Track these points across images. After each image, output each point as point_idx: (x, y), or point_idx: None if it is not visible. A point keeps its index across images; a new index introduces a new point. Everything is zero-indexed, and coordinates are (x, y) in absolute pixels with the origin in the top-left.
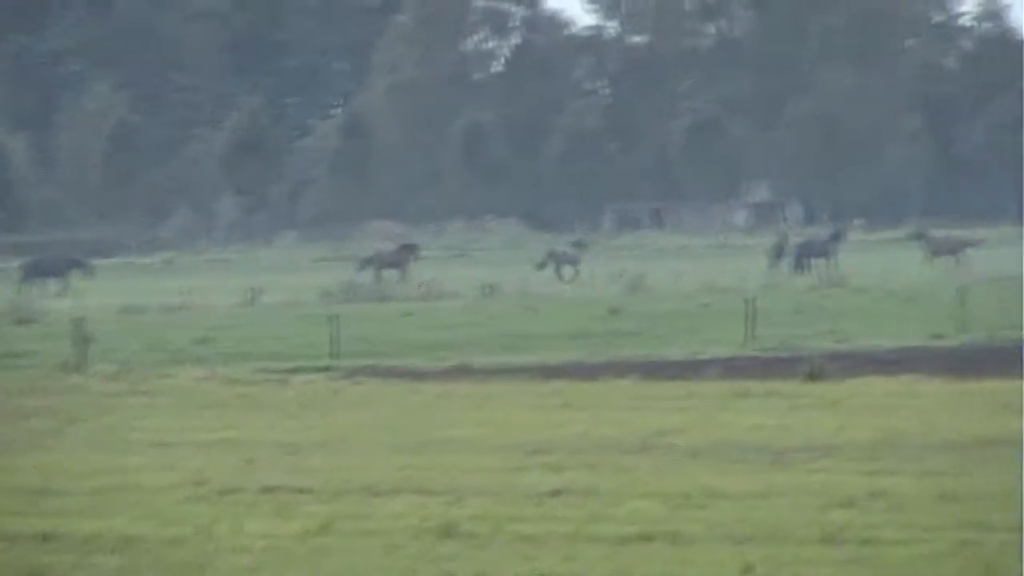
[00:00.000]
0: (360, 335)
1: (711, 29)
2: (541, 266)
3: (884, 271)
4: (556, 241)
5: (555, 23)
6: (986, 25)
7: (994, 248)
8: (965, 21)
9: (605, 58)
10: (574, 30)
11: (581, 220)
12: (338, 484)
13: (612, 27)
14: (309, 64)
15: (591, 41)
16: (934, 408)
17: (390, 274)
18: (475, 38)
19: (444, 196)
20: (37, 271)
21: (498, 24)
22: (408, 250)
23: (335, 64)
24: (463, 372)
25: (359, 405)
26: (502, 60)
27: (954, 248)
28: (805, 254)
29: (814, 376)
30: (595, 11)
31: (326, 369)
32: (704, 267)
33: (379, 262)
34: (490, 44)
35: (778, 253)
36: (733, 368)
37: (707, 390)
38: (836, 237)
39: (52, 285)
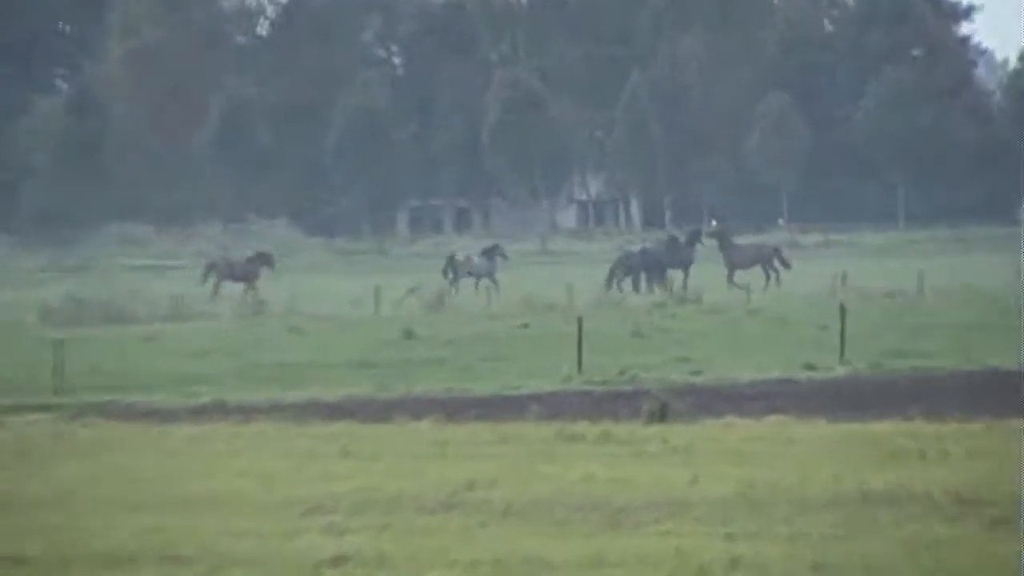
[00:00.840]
0: (91, 365)
1: None
2: (444, 275)
3: (747, 286)
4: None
5: None
6: None
7: (879, 257)
8: None
9: (398, 18)
10: None
11: (369, 222)
12: (64, 551)
13: None
14: (26, 26)
15: None
16: (807, 456)
17: (234, 289)
18: None
19: (197, 192)
20: None
21: None
22: (261, 260)
23: (59, 26)
24: (220, 411)
25: (90, 452)
26: (268, 20)
27: (762, 257)
28: (648, 265)
29: (659, 416)
30: None
31: (48, 408)
32: (522, 279)
33: (221, 273)
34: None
35: (626, 271)
36: (558, 406)
37: (526, 433)
38: (691, 242)
39: None
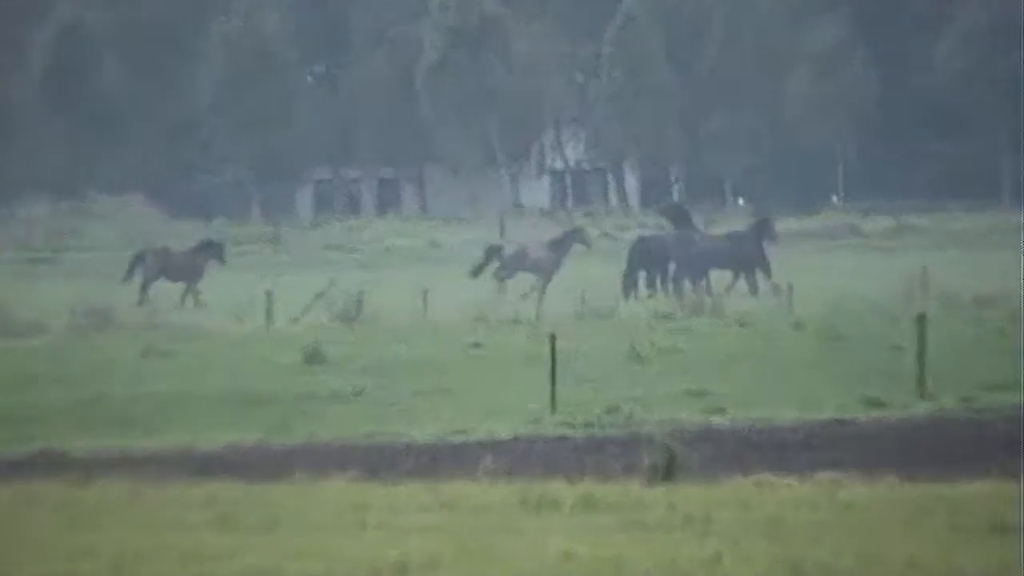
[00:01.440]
0: None
1: None
2: (476, 272)
3: (788, 288)
4: (206, 232)
5: None
6: None
7: (973, 249)
8: None
9: None
10: None
11: (258, 199)
12: None
13: None
14: None
15: None
16: (872, 528)
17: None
18: None
19: (16, 159)
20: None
21: None
22: (208, 252)
23: None
24: (50, 465)
25: None
26: None
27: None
28: (657, 261)
29: (665, 472)
30: None
31: None
32: (473, 280)
33: (151, 268)
34: None
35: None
36: (523, 458)
37: (478, 496)
38: (758, 234)
39: None
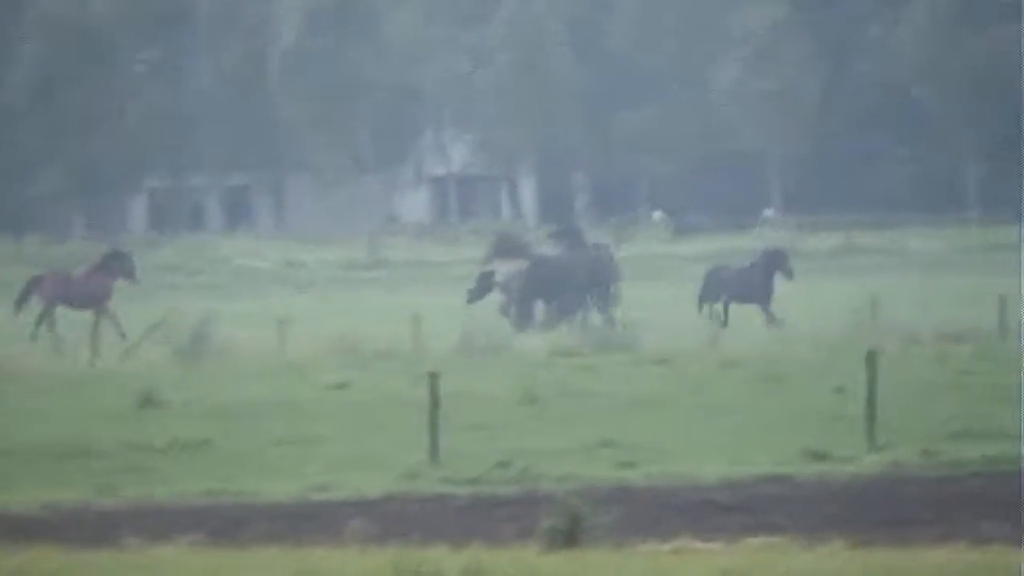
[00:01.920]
0: None
1: None
2: (475, 297)
3: (717, 317)
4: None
5: None
6: None
7: (935, 271)
8: None
9: None
10: None
11: (83, 212)
12: None
13: None
14: None
15: None
16: None
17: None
18: None
19: None
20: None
21: None
22: (113, 267)
23: None
24: None
25: None
26: None
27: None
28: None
29: (567, 537)
30: None
31: None
32: (339, 306)
33: (51, 293)
34: None
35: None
36: (398, 520)
37: (344, 566)
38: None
39: None
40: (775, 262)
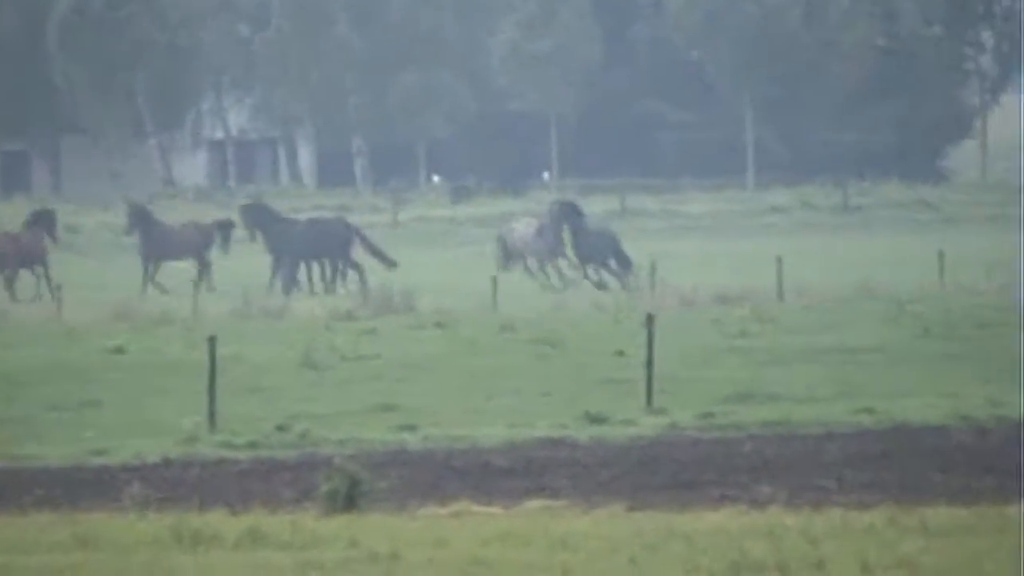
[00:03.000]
0: None
1: None
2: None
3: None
4: None
5: None
6: None
7: (713, 236)
8: None
9: None
10: None
11: None
12: None
13: None
14: None
15: None
16: (593, 567)
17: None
18: None
19: None
20: None
21: None
22: (40, 224)
23: None
24: None
25: None
26: None
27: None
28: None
29: (346, 501)
30: None
31: None
32: (116, 271)
33: (8, 258)
34: None
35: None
36: (176, 485)
37: (121, 532)
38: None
39: None
40: (565, 215)
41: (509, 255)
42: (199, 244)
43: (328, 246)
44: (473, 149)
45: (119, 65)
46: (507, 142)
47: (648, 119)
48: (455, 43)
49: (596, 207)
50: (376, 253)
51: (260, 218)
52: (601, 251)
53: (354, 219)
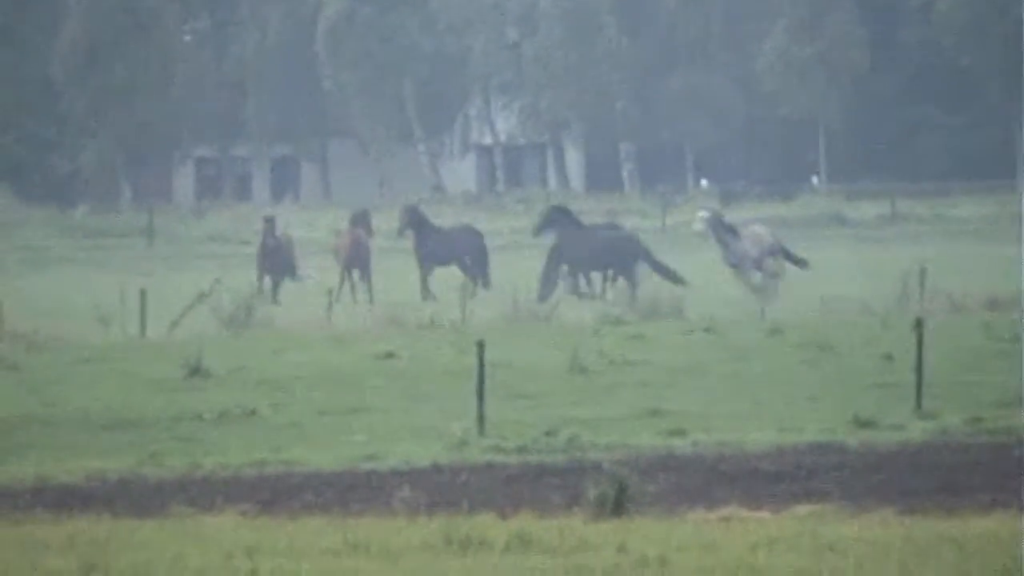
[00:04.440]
0: None
1: None
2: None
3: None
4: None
5: None
6: None
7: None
8: None
9: None
10: None
11: (129, 182)
12: None
13: None
14: None
15: None
16: (863, 573)
17: None
18: None
19: None
20: None
21: None
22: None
23: None
24: None
25: None
26: None
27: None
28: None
29: (614, 506)
30: None
31: None
32: (387, 277)
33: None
34: None
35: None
36: (446, 489)
37: (391, 535)
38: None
39: None
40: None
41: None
42: (473, 248)
43: (615, 259)
44: (741, 153)
45: (387, 71)
46: (775, 146)
47: (916, 122)
48: (723, 47)
49: (866, 212)
50: (664, 272)
51: (561, 221)
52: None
53: (622, 223)
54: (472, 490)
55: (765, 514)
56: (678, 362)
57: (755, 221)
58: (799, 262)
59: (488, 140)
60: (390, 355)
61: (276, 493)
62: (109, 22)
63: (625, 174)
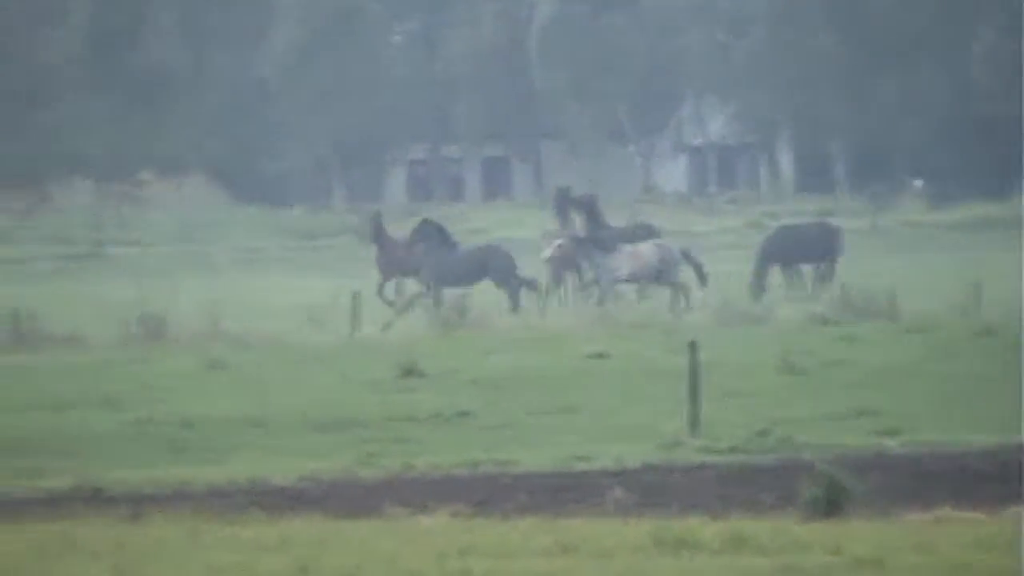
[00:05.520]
0: None
1: None
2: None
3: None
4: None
5: None
6: None
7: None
8: None
9: None
10: None
11: (343, 182)
12: None
13: None
14: None
15: None
16: None
17: None
18: None
19: (52, 136)
20: None
21: None
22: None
23: None
24: (89, 500)
25: None
26: None
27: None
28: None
29: (827, 506)
30: None
31: None
32: None
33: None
34: None
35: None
36: (658, 489)
37: (604, 535)
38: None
39: None
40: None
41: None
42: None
43: (810, 252)
44: (952, 152)
45: (600, 71)
46: (986, 145)
47: None
48: (934, 47)
49: None
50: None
51: (431, 235)
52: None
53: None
54: (683, 490)
55: (979, 515)
56: (890, 362)
57: (657, 239)
58: (702, 278)
59: (699, 141)
60: (601, 355)
61: (489, 493)
62: (320, 24)
63: (837, 174)
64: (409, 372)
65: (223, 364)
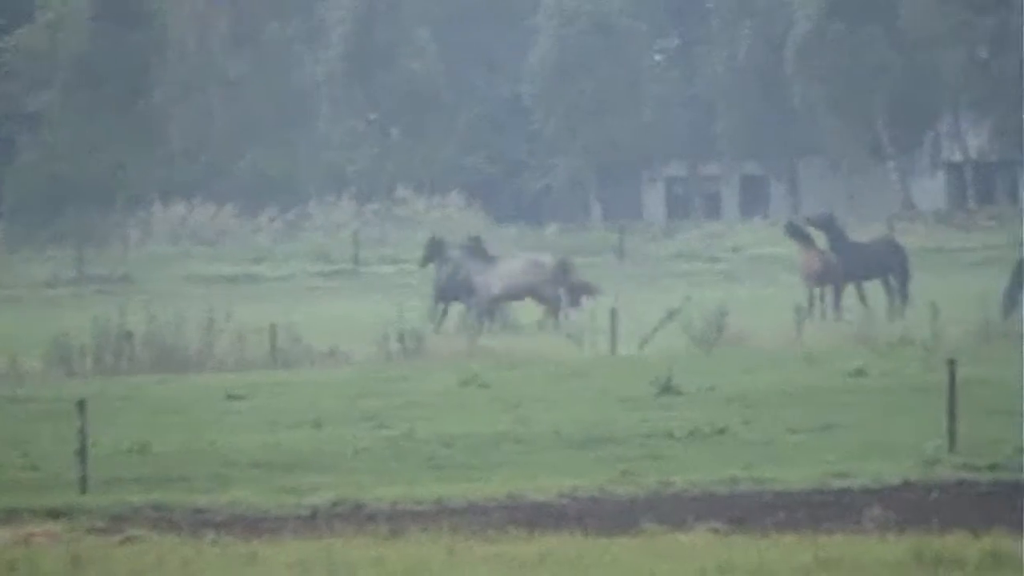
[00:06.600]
0: (134, 441)
1: None
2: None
3: None
4: (536, 239)
5: None
6: None
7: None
8: None
9: None
10: None
11: (598, 199)
12: None
13: None
14: None
15: None
16: None
17: None
18: None
19: (309, 153)
20: None
21: None
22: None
23: None
24: (348, 518)
25: None
26: None
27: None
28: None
29: None
30: None
31: (63, 514)
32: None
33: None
34: None
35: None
36: (916, 508)
37: (863, 554)
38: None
39: None
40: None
41: None
42: (895, 262)
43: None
44: None
45: (857, 87)
46: None
47: None
48: None
49: None
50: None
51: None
52: None
53: None
54: (943, 508)
55: None
56: None
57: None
58: (574, 296)
59: (958, 157)
60: (860, 372)
61: (747, 510)
62: (580, 41)
63: None
64: (666, 389)
65: (483, 381)
